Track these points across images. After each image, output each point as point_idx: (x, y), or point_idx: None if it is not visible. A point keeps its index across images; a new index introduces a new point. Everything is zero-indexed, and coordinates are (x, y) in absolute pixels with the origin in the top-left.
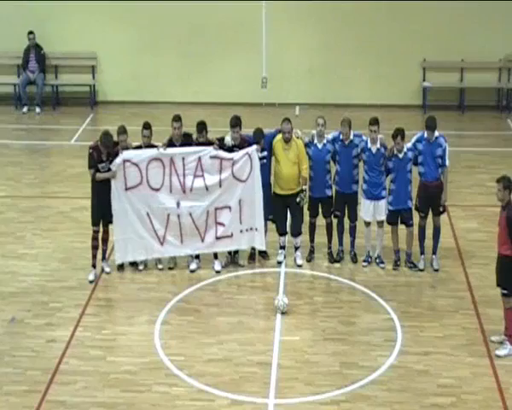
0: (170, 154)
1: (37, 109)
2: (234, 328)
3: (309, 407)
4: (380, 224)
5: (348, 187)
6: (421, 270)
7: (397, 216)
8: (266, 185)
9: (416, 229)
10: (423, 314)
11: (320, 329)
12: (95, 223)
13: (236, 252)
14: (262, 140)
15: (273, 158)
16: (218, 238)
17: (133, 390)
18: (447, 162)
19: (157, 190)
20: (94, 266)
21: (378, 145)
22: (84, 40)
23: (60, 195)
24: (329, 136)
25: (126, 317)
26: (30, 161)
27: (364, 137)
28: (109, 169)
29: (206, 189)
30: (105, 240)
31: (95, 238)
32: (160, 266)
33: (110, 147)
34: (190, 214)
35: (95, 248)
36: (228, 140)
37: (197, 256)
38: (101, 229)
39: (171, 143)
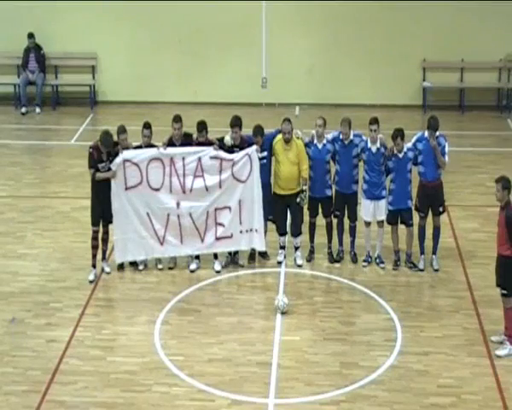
0: (170, 154)
1: (37, 109)
2: (234, 328)
3: (309, 407)
4: (380, 224)
5: (348, 187)
6: (421, 270)
7: (397, 216)
8: (266, 185)
9: (415, 229)
10: (423, 314)
11: (320, 329)
12: (94, 223)
13: (236, 252)
14: (260, 136)
15: (273, 158)
16: (217, 239)
17: (133, 390)
18: (447, 158)
19: (157, 190)
20: (94, 266)
21: (378, 145)
22: (84, 40)
23: (60, 195)
24: (329, 136)
25: (126, 317)
26: (30, 161)
27: (364, 137)
28: (109, 169)
29: (206, 189)
30: (105, 240)
31: (95, 238)
32: (159, 266)
33: (110, 147)
34: (190, 215)
35: (95, 248)
36: (228, 140)
37: (197, 256)
38: (101, 229)
39: (171, 143)
